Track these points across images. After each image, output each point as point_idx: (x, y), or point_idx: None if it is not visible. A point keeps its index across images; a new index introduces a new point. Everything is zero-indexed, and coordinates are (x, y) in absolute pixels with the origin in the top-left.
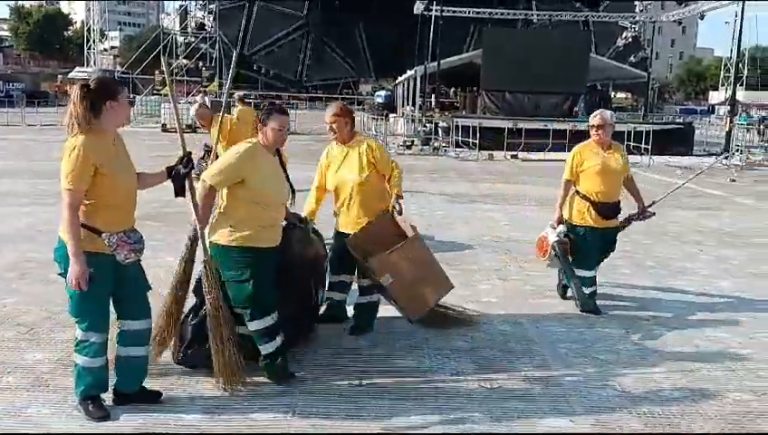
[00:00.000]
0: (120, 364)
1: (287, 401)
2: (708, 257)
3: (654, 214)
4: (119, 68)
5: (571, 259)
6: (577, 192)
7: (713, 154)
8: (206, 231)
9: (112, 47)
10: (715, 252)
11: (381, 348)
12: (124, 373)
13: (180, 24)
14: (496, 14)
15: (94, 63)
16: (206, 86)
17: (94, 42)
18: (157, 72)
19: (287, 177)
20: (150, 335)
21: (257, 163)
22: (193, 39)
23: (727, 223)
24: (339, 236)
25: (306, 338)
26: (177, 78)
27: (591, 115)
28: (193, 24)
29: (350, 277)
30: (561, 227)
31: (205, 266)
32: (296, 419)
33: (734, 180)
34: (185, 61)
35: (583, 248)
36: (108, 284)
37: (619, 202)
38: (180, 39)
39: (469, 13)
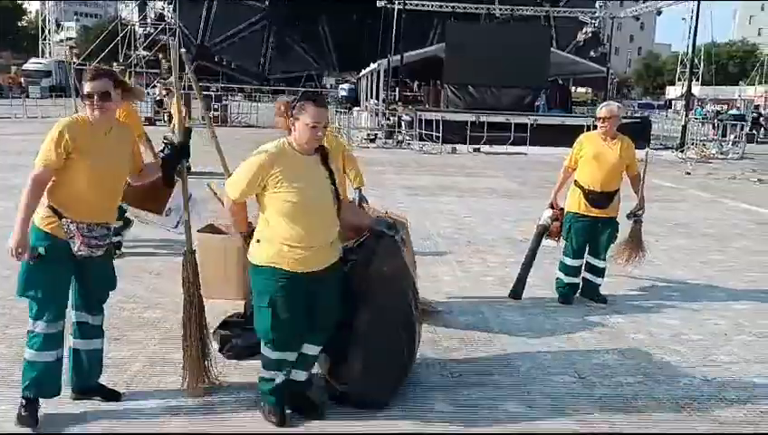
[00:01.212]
0: (77, 358)
1: (253, 394)
2: (663, 247)
3: (641, 211)
4: (75, 59)
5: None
6: (575, 181)
7: (669, 148)
8: (184, 222)
9: (69, 38)
10: (670, 242)
11: None
12: (79, 368)
13: (139, 15)
14: (459, 8)
15: (50, 54)
16: (166, 78)
17: (50, 32)
18: (115, 63)
19: (333, 184)
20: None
21: (283, 168)
22: (152, 30)
23: (682, 214)
24: None
25: (407, 369)
26: (137, 70)
27: (599, 106)
28: (152, 15)
29: None
30: (548, 212)
31: (184, 261)
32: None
33: (689, 173)
34: (144, 52)
35: (569, 236)
36: (63, 271)
37: (614, 193)
38: (139, 30)
39: (432, 6)
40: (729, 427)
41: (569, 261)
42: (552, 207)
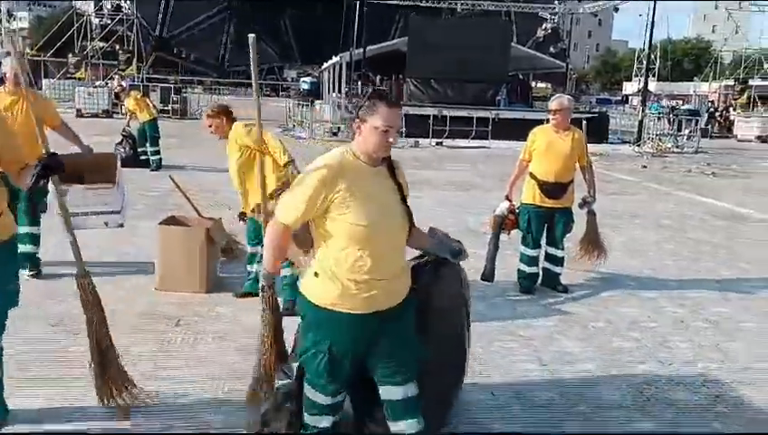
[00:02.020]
0: None
1: (216, 384)
2: (620, 238)
3: (592, 202)
4: (28, 50)
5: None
6: (530, 173)
7: (626, 142)
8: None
9: (21, 28)
10: (627, 233)
11: None
12: None
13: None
14: (421, 2)
15: (1, 45)
16: (124, 69)
17: (2, 23)
18: (70, 54)
19: (404, 201)
20: None
21: (349, 183)
22: (109, 21)
23: (638, 206)
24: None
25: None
26: (93, 61)
27: (551, 99)
28: (109, 6)
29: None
30: (504, 204)
31: (78, 286)
32: (221, 402)
33: (645, 166)
34: (100, 43)
35: (526, 226)
36: None
37: (568, 184)
38: (95, 21)
39: (395, 0)
40: (684, 410)
41: (528, 251)
42: (507, 199)
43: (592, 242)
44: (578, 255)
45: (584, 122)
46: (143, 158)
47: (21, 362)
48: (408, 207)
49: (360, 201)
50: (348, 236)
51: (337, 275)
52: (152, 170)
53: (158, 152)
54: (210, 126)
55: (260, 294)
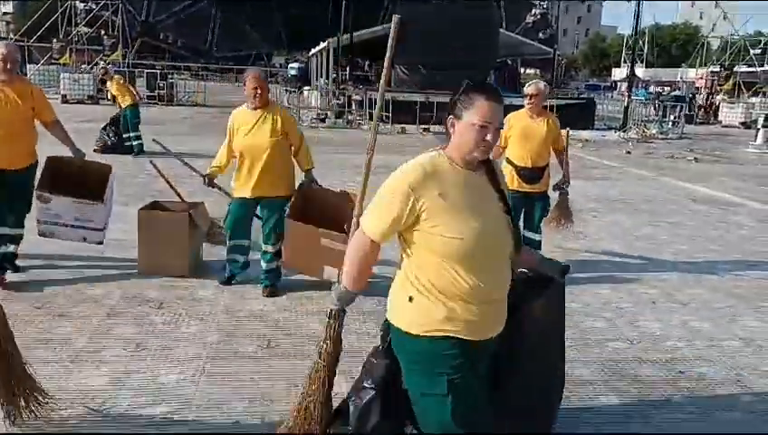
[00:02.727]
0: None
1: (195, 364)
2: (600, 223)
3: (566, 184)
4: (12, 35)
5: None
6: (506, 159)
7: (612, 128)
8: None
9: (5, 13)
10: (607, 217)
11: (288, 313)
12: None
13: None
14: None
15: None
16: (109, 55)
17: None
18: (55, 39)
19: (508, 211)
20: None
21: (442, 190)
22: (94, 6)
23: (620, 191)
24: (242, 201)
25: None
26: (78, 46)
27: (527, 84)
28: None
29: (247, 241)
30: None
31: None
32: (204, 378)
33: (629, 152)
34: (85, 29)
35: None
36: None
37: (544, 168)
38: (80, 5)
39: None
40: (650, 385)
41: None
42: None
43: (561, 216)
44: (547, 223)
45: (554, 108)
46: (126, 144)
47: None
48: (512, 218)
49: (454, 211)
50: (441, 251)
51: (437, 296)
52: (134, 156)
53: (138, 137)
54: (258, 89)
55: (328, 322)
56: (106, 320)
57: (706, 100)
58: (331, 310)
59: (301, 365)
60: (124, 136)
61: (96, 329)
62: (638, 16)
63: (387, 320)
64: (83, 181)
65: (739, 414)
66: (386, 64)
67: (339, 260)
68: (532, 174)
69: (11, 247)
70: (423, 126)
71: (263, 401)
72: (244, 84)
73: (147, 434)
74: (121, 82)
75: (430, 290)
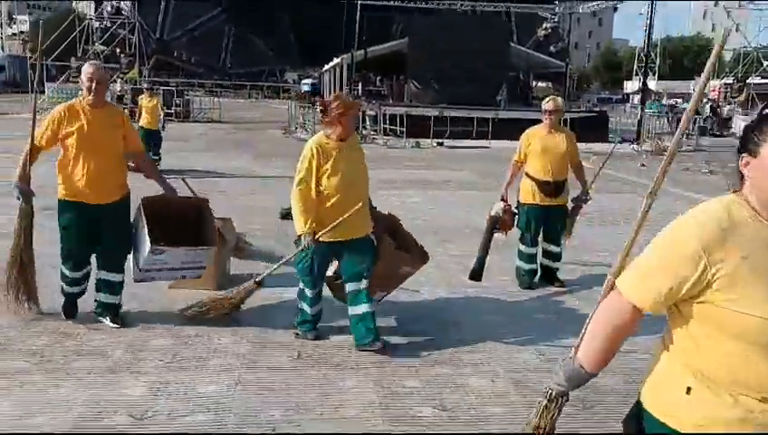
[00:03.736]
0: None
1: (230, 374)
2: (615, 235)
3: (588, 199)
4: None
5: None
6: (526, 173)
7: (625, 141)
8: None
9: (21, 32)
10: (621, 230)
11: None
12: None
13: (96, 9)
14: (420, 3)
15: (2, 49)
16: (126, 72)
17: (2, 26)
18: (73, 58)
19: None
20: None
21: (742, 252)
22: (109, 24)
23: (634, 205)
24: (328, 245)
25: None
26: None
27: (545, 100)
28: (109, 9)
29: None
30: (499, 204)
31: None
32: (239, 388)
33: (644, 165)
34: (102, 47)
35: (525, 225)
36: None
37: (564, 182)
38: (95, 24)
39: (395, 1)
40: None
41: (527, 249)
42: (502, 199)
43: (569, 221)
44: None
45: (567, 122)
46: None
47: None
48: None
49: (759, 280)
50: (737, 331)
51: (727, 389)
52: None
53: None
54: (349, 111)
55: (542, 404)
56: (140, 332)
57: (714, 112)
58: (551, 390)
59: (331, 374)
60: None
61: (132, 341)
62: (649, 29)
63: (637, 409)
64: (183, 218)
65: None
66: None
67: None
68: (553, 188)
69: (112, 297)
70: (437, 140)
71: (297, 410)
72: (342, 113)
73: None
74: (155, 102)
75: (715, 380)
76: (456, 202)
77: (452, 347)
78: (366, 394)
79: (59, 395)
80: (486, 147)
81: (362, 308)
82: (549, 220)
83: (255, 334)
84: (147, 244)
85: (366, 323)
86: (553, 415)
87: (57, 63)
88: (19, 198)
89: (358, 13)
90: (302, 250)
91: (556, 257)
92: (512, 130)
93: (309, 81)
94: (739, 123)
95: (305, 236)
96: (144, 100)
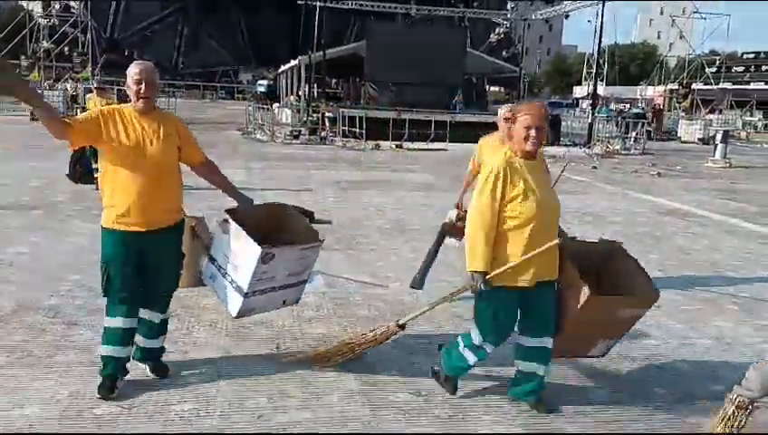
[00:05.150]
0: None
1: (214, 366)
2: (573, 235)
3: None
4: None
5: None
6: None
7: (577, 144)
8: None
9: None
10: (579, 231)
11: (291, 319)
12: None
13: (43, 6)
14: (378, 6)
15: None
16: (78, 72)
17: None
18: (22, 56)
19: None
20: None
21: None
22: (56, 22)
23: (588, 205)
24: (515, 291)
25: None
26: (45, 64)
27: (502, 108)
28: (57, 6)
29: None
30: (453, 212)
31: None
32: (223, 379)
33: (595, 167)
34: (50, 45)
35: None
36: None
37: None
38: (42, 22)
39: (352, 5)
40: (633, 381)
41: None
42: (457, 207)
43: None
44: None
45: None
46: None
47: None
48: None
49: None
50: None
51: None
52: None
53: None
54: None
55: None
56: None
57: (655, 115)
58: (739, 397)
59: (310, 365)
60: (94, 166)
61: None
62: (600, 36)
63: None
64: (269, 228)
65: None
66: None
67: (617, 328)
68: None
69: (151, 341)
70: (395, 142)
71: (282, 397)
72: (530, 126)
73: (185, 433)
74: (110, 101)
75: None
76: (418, 203)
77: (422, 339)
78: (346, 382)
79: (44, 387)
80: (444, 149)
81: (533, 367)
82: None
83: (233, 330)
84: (253, 252)
85: (533, 384)
86: (741, 423)
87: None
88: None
89: (317, 15)
90: (473, 292)
91: None
92: (468, 133)
93: (264, 82)
94: (684, 128)
95: (478, 275)
96: (92, 101)
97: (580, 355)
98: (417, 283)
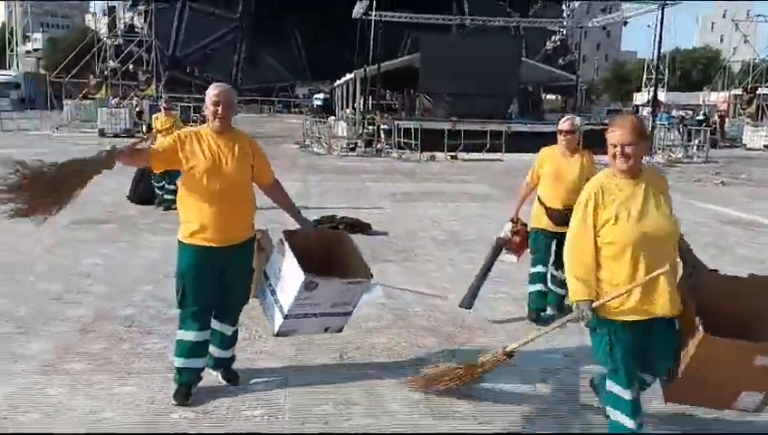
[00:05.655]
0: None
1: (279, 375)
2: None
3: None
4: (41, 70)
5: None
6: (537, 196)
7: None
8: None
9: (35, 49)
10: None
11: (352, 329)
12: None
13: (110, 28)
14: (431, 18)
15: (17, 66)
16: (144, 89)
17: (17, 44)
18: (91, 75)
19: None
20: None
21: None
22: (122, 42)
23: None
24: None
25: None
26: (112, 82)
27: (561, 120)
28: (122, 26)
29: None
30: (508, 226)
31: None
32: (289, 388)
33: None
34: (116, 64)
35: (534, 248)
36: None
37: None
38: (108, 42)
39: (407, 18)
40: None
41: (533, 268)
42: (512, 221)
43: None
44: None
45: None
46: (164, 195)
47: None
48: None
49: None
50: None
51: None
52: (162, 208)
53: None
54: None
55: None
56: None
57: (721, 121)
58: None
59: (373, 374)
60: (157, 185)
61: None
62: (660, 40)
63: None
64: (324, 254)
65: None
66: None
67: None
68: (563, 215)
69: (223, 351)
70: (450, 153)
71: (347, 404)
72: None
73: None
74: (171, 122)
75: None
76: (474, 214)
77: (480, 349)
78: (408, 392)
79: (124, 393)
80: (500, 160)
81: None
82: (560, 247)
83: (297, 338)
84: (297, 278)
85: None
86: None
87: (74, 81)
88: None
89: (372, 28)
90: (585, 323)
91: (563, 285)
92: (524, 142)
93: (321, 95)
94: (749, 134)
95: (583, 304)
96: (159, 120)
97: (715, 407)
98: (467, 302)
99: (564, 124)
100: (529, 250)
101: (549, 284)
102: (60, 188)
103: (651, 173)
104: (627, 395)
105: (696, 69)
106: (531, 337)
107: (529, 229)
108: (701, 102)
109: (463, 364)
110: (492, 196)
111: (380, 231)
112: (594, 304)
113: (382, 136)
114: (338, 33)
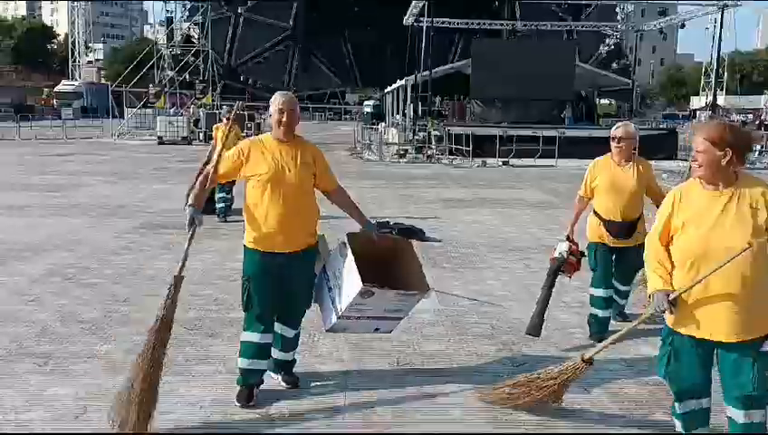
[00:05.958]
0: None
1: (337, 379)
2: None
3: None
4: (102, 80)
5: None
6: (593, 210)
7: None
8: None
9: (97, 59)
10: None
11: (409, 334)
12: None
13: (167, 39)
14: (482, 24)
15: (79, 76)
16: (201, 98)
17: (79, 54)
18: (150, 85)
19: None
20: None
21: None
22: (179, 52)
23: None
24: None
25: None
26: (171, 91)
27: (615, 126)
28: (179, 37)
29: None
30: (564, 245)
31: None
32: (348, 392)
33: None
34: (173, 74)
35: (594, 265)
36: None
37: (637, 220)
38: (166, 52)
39: (458, 24)
40: None
41: (599, 292)
42: (567, 239)
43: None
44: None
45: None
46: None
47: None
48: None
49: None
50: None
51: None
52: (219, 219)
53: (224, 199)
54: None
55: None
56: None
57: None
58: None
59: (432, 380)
60: (219, 196)
61: None
62: (719, 42)
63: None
64: (378, 260)
65: None
66: None
67: None
68: (623, 229)
69: (284, 354)
70: (503, 159)
71: (406, 409)
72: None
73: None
74: (234, 130)
75: None
76: (529, 221)
77: (539, 358)
78: (468, 398)
79: (189, 394)
80: (553, 166)
81: None
82: (620, 261)
83: (355, 341)
84: (355, 284)
85: None
86: None
87: (134, 90)
88: (189, 223)
89: (423, 35)
90: (662, 313)
91: (624, 295)
92: (578, 148)
93: (371, 102)
94: None
95: (660, 295)
96: (220, 130)
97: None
98: (535, 330)
99: (618, 131)
100: (590, 266)
101: (613, 296)
102: None
103: (750, 183)
104: (679, 408)
105: (757, 71)
106: (608, 342)
107: (587, 244)
108: (762, 106)
109: (542, 375)
110: (546, 202)
111: (434, 237)
112: (671, 296)
113: (433, 142)
114: (388, 41)
